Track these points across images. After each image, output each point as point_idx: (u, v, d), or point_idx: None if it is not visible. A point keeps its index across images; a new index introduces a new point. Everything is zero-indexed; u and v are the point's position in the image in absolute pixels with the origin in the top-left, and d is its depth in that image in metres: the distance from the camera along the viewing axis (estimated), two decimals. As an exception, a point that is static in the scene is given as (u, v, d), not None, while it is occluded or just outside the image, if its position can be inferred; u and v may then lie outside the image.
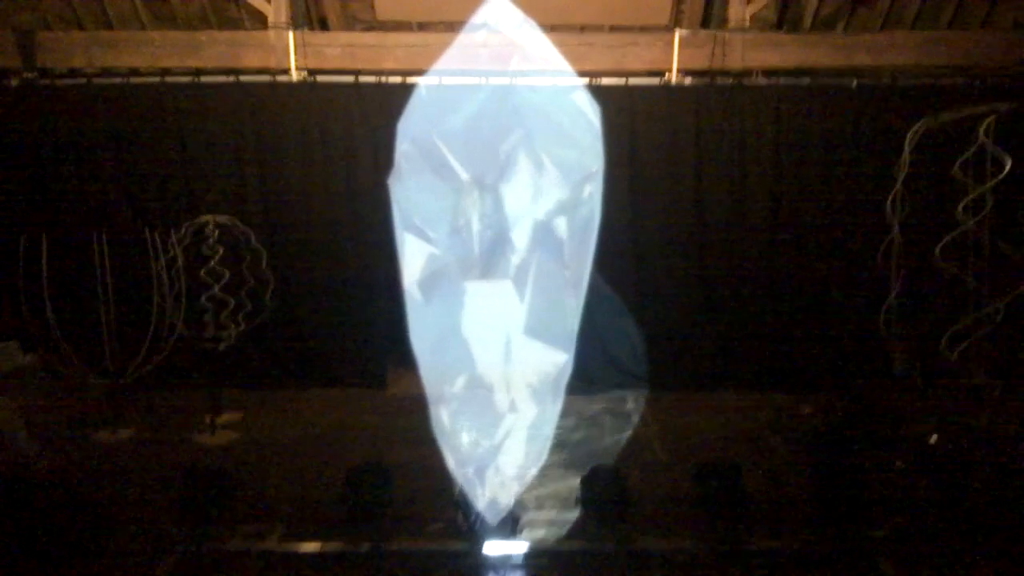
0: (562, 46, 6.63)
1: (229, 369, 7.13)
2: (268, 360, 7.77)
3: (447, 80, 4.35)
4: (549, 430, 4.50)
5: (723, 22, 7.65)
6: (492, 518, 4.50)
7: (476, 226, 4.16)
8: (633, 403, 7.19)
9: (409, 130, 4.18)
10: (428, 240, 4.16)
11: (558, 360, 4.28)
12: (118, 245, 6.73)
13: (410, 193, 4.18)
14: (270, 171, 7.74)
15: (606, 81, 7.59)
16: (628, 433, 6.43)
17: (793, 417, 6.67)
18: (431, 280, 4.20)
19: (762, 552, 4.39)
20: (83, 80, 7.71)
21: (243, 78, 7.72)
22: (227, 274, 6.76)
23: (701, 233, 7.63)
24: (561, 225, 4.32)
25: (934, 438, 5.78)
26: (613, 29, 8.63)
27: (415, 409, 7.04)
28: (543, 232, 4.19)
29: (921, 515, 4.77)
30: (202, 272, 6.73)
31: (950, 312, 5.91)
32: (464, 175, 4.14)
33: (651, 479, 5.38)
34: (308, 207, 7.75)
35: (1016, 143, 5.41)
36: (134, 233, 7.00)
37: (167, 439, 6.39)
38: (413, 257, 4.17)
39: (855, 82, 7.50)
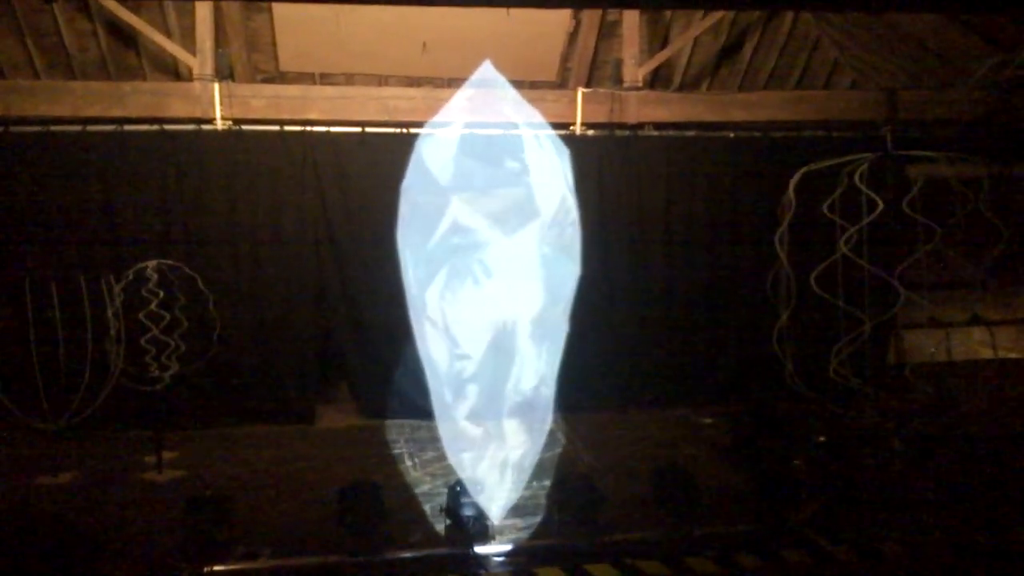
0: (480, 100, 7.42)
1: (166, 410, 7.22)
2: (202, 400, 7.91)
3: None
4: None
5: (617, 81, 8.57)
6: (480, 524, 5.04)
7: None
8: (553, 424, 7.86)
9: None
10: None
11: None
12: (49, 291, 6.82)
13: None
14: (196, 218, 7.95)
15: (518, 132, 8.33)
16: (559, 449, 7.10)
17: (697, 428, 7.55)
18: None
19: (714, 536, 5.12)
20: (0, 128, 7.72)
21: (168, 127, 7.92)
22: (167, 317, 6.96)
23: (604, 267, 8.41)
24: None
25: (822, 438, 6.75)
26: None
27: (345, 441, 7.56)
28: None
29: (829, 498, 5.65)
30: (141, 315, 6.89)
31: (831, 331, 6.95)
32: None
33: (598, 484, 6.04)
34: (235, 252, 8.01)
35: (879, 186, 6.54)
36: (66, 279, 7.08)
37: (114, 480, 6.46)
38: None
39: (732, 134, 8.60)
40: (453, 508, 5.03)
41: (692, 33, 8.91)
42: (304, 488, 6.19)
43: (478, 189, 7.21)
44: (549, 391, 7.80)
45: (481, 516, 5.07)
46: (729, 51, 9.47)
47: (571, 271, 7.25)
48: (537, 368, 7.75)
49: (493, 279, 7.06)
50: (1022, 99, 8.32)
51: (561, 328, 7.51)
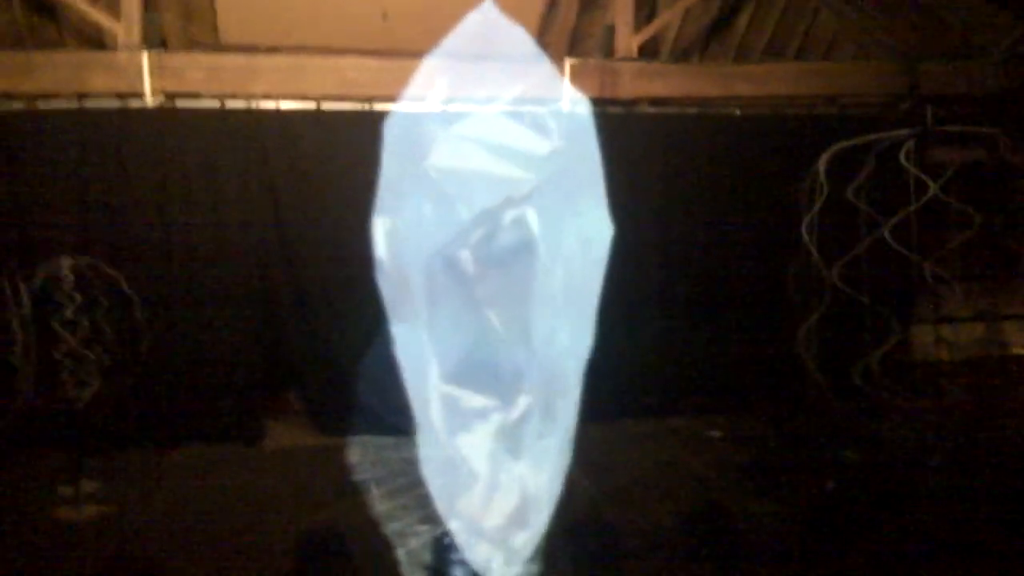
0: (454, 74, 6.35)
1: (86, 433, 6.19)
2: (129, 420, 6.83)
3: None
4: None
5: (606, 52, 7.69)
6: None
7: None
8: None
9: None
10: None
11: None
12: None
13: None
14: (120, 209, 6.91)
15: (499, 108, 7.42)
16: (552, 473, 6.17)
17: (706, 443, 6.69)
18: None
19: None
20: None
21: (88, 103, 6.89)
22: (86, 325, 5.94)
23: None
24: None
25: (849, 453, 5.95)
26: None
27: (299, 464, 6.58)
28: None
29: (878, 538, 4.77)
30: (55, 323, 5.87)
31: (859, 331, 6.15)
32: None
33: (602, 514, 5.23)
34: (167, 249, 6.99)
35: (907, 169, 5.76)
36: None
37: (23, 517, 5.44)
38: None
39: (738, 111, 7.77)
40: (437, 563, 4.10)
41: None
42: (250, 527, 5.19)
43: (455, 174, 6.25)
44: (544, 403, 6.93)
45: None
46: (724, 19, 8.64)
47: (561, 266, 6.32)
48: (528, 376, 6.86)
49: (474, 276, 6.12)
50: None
51: (550, 331, 6.61)
